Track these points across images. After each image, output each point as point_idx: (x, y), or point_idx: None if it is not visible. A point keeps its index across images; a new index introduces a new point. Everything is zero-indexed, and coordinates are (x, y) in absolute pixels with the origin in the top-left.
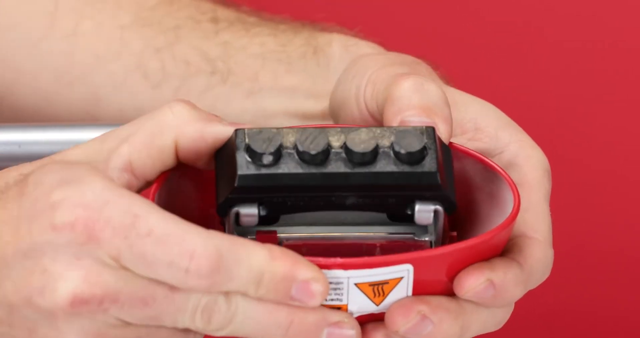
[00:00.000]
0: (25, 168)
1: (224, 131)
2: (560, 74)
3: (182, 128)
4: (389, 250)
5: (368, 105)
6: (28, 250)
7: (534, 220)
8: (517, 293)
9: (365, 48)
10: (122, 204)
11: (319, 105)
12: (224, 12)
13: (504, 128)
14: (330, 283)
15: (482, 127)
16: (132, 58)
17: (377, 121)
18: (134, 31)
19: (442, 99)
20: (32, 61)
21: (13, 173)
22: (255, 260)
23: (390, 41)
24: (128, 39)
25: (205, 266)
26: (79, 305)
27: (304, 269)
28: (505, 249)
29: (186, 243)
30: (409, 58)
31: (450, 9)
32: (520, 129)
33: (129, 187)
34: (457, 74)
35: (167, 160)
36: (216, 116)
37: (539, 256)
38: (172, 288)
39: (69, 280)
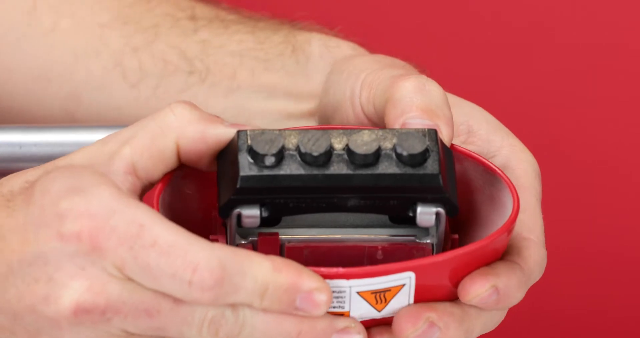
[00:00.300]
0: (30, 174)
1: (225, 133)
2: (555, 75)
3: (184, 129)
4: (391, 253)
5: (364, 108)
6: (34, 258)
7: (529, 221)
8: (519, 296)
9: (346, 49)
10: (128, 214)
11: (303, 105)
12: (202, 10)
13: (495, 132)
14: (333, 291)
15: (474, 130)
16: (110, 57)
17: (374, 123)
18: (113, 29)
19: (444, 100)
20: (11, 59)
21: (18, 180)
22: (259, 272)
23: (371, 41)
24: (107, 37)
25: (209, 279)
26: (82, 314)
27: (307, 279)
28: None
29: (190, 256)
30: (398, 61)
31: (435, 8)
32: (510, 132)
33: (133, 190)
34: (440, 74)
35: (169, 161)
36: (218, 117)
37: (536, 257)
38: (177, 300)
39: (73, 289)
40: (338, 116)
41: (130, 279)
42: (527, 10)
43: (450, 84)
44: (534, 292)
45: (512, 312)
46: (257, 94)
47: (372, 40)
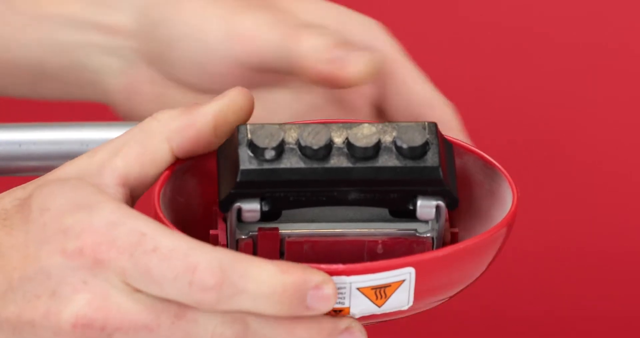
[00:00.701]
0: (20, 192)
1: (206, 110)
2: (555, 75)
3: (169, 127)
4: (391, 247)
5: (243, 62)
6: (35, 273)
7: (413, 81)
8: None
9: None
10: (130, 224)
11: (119, 41)
12: None
13: (341, 22)
14: None
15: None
16: None
17: (254, 71)
18: None
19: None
20: None
21: (7, 198)
22: (265, 275)
23: None
24: None
25: (209, 279)
26: (82, 328)
27: (313, 275)
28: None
29: (190, 258)
30: None
31: (435, 7)
32: (346, 10)
33: (124, 200)
34: (440, 73)
35: (162, 164)
36: (196, 103)
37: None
38: (178, 314)
39: (74, 303)
40: (194, 67)
41: (133, 289)
42: (527, 10)
43: (450, 84)
44: (535, 292)
45: (513, 312)
46: (65, 25)
47: None
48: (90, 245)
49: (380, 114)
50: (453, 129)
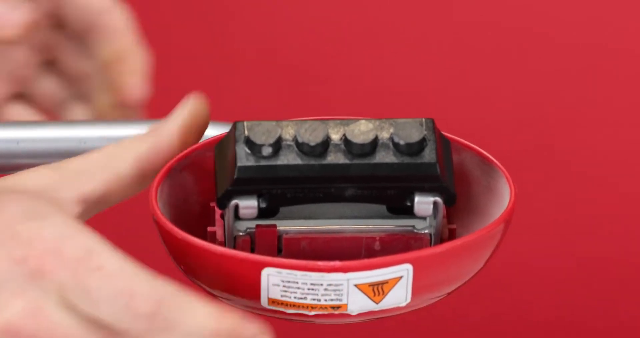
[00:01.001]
0: None
1: (171, 128)
2: (553, 76)
3: (136, 150)
4: (389, 243)
5: None
6: None
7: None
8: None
9: None
10: (79, 239)
11: None
12: None
13: None
14: (330, 285)
15: None
16: None
17: None
18: None
19: None
20: None
21: None
22: (200, 315)
23: (368, 42)
24: None
25: (144, 307)
26: (11, 335)
27: (250, 325)
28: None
29: (131, 283)
30: None
31: (434, 7)
32: None
33: (80, 217)
34: (438, 75)
35: (130, 187)
36: (157, 123)
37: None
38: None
39: (8, 308)
40: None
41: (69, 304)
42: (527, 10)
43: (450, 84)
44: (533, 291)
45: (512, 312)
46: None
47: (369, 41)
48: (36, 255)
49: (58, 23)
50: (125, 35)
